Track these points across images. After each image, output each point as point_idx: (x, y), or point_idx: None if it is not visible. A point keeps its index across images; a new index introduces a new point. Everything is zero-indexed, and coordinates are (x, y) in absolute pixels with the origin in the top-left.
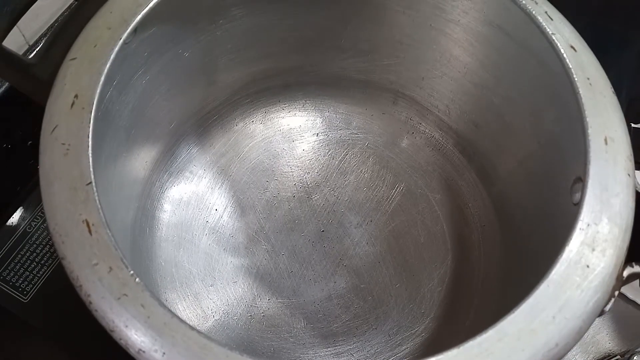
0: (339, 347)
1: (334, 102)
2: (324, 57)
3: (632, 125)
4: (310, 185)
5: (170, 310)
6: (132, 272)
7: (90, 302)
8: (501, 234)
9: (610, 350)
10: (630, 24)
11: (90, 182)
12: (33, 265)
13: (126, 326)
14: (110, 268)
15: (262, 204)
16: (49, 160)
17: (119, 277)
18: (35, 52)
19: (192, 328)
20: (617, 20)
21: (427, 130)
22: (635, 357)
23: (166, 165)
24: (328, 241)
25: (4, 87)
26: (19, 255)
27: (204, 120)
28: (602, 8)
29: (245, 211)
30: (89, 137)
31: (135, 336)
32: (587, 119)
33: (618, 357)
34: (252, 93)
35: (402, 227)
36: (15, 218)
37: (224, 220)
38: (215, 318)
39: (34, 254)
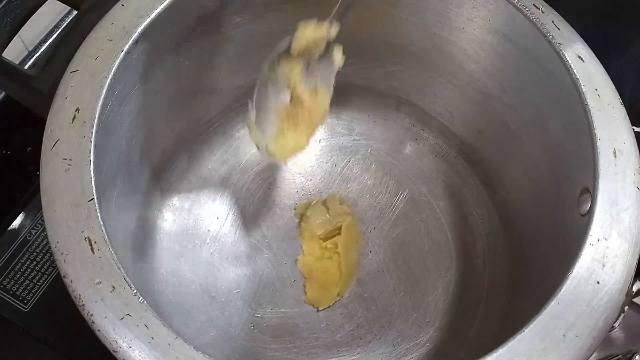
0: (342, 357)
1: (336, 109)
2: None
3: (634, 128)
4: (312, 192)
5: (174, 331)
6: (135, 291)
7: (93, 322)
8: (506, 242)
9: (612, 350)
10: (631, 26)
11: (93, 199)
12: (33, 274)
13: (130, 347)
14: (113, 287)
15: (264, 212)
16: (50, 176)
17: (122, 296)
18: (35, 64)
19: (197, 349)
20: (618, 21)
21: (430, 137)
22: (637, 357)
23: (167, 173)
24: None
25: (3, 93)
26: (19, 264)
27: (206, 127)
28: (602, 9)
29: (247, 219)
30: (90, 152)
31: (139, 357)
32: (596, 131)
33: (620, 356)
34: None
35: (405, 235)
36: (15, 225)
37: (225, 229)
38: (218, 328)
39: (34, 262)
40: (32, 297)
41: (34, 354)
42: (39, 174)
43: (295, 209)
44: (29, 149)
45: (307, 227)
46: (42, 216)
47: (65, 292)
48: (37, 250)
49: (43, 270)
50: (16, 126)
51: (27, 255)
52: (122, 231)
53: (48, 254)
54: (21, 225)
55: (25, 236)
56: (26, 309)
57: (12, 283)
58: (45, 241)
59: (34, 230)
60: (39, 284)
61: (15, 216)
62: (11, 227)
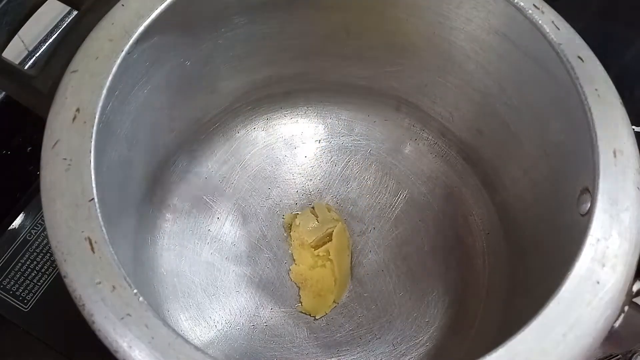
0: (342, 357)
1: (336, 109)
2: (326, 64)
3: (635, 128)
4: (312, 192)
5: (174, 331)
6: (135, 290)
7: (94, 322)
8: (506, 242)
9: (612, 350)
10: (631, 26)
11: (93, 199)
12: (34, 274)
13: (130, 347)
14: (114, 287)
15: (264, 212)
16: (51, 176)
17: (122, 296)
18: (35, 64)
19: (197, 349)
20: (618, 20)
21: (430, 137)
22: (637, 357)
23: (168, 173)
24: None
25: (3, 93)
26: (20, 264)
27: (206, 127)
28: (602, 9)
29: (247, 219)
30: (91, 152)
31: (139, 357)
32: (596, 131)
33: (620, 357)
34: (253, 100)
35: (405, 235)
36: (15, 225)
37: (225, 229)
38: (218, 328)
39: (35, 262)
40: (32, 297)
41: (34, 354)
42: (39, 174)
43: (283, 218)
44: (29, 149)
45: (297, 236)
46: (42, 216)
47: (65, 292)
48: (37, 250)
49: (43, 270)
50: (16, 126)
51: (27, 255)
52: (123, 231)
53: (48, 254)
54: (21, 225)
55: (25, 236)
56: (26, 309)
57: (12, 283)
58: (45, 241)
59: (34, 230)
60: (39, 284)
61: (15, 216)
62: (11, 227)
